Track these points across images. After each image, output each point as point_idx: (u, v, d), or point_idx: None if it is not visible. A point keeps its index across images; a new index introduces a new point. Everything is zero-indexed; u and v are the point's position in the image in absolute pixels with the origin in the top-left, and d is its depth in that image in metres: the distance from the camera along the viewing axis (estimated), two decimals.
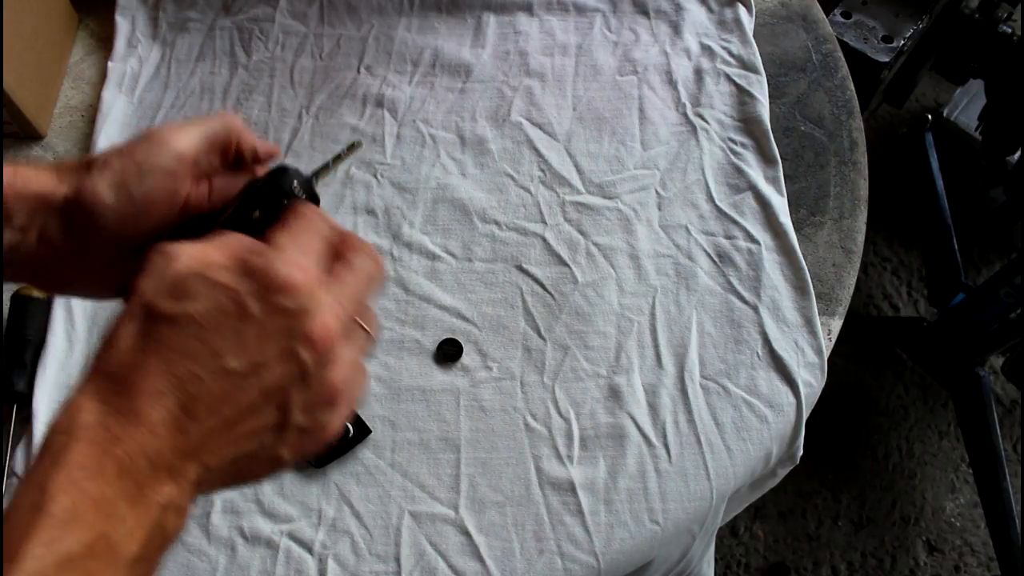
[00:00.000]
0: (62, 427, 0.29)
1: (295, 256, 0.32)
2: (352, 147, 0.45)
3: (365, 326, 0.35)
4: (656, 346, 0.67)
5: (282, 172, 0.39)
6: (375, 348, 0.36)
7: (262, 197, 0.38)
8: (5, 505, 0.27)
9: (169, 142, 0.36)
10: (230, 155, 0.40)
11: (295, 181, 0.39)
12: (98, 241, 0.36)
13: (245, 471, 0.32)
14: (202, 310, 0.30)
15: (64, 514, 0.26)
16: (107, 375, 0.30)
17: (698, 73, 0.83)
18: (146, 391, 0.29)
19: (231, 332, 0.30)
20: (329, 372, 0.32)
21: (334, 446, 0.62)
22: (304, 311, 0.31)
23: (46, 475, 0.27)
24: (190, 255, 0.31)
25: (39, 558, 0.25)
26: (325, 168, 0.42)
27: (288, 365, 0.31)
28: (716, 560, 0.89)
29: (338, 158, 0.44)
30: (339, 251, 0.35)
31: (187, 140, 0.37)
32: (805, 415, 0.66)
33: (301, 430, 0.32)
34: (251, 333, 0.30)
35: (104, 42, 0.85)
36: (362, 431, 0.63)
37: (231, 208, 0.38)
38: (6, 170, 0.36)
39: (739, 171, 0.76)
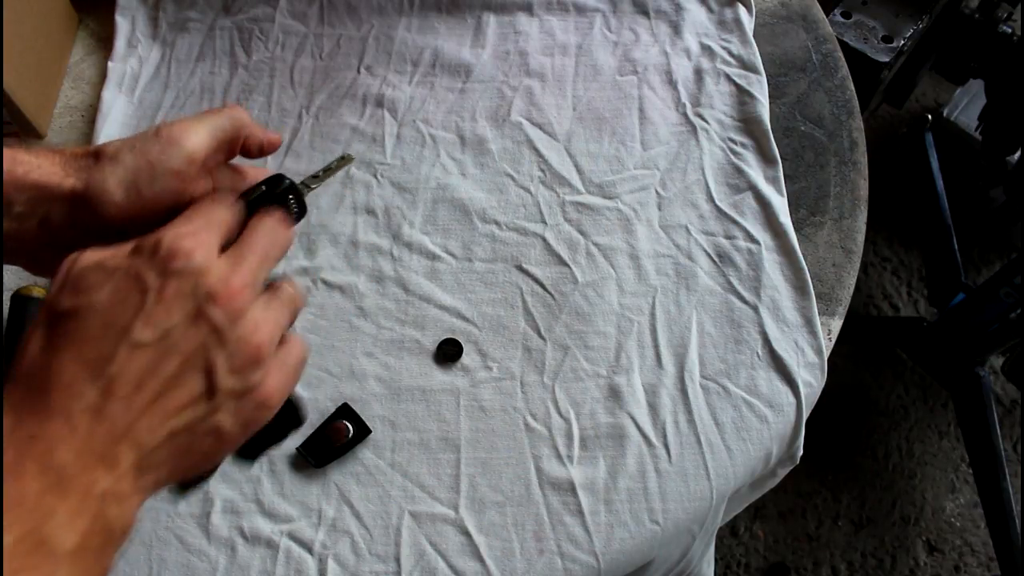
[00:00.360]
0: None
1: (186, 227, 0.33)
2: (343, 160, 0.46)
3: (289, 290, 0.35)
4: (656, 346, 0.67)
5: (276, 181, 0.39)
6: (301, 310, 0.36)
7: (270, 198, 0.38)
8: None
9: (181, 142, 0.36)
10: (236, 150, 0.40)
11: (288, 191, 0.39)
12: (100, 231, 0.36)
13: (188, 450, 0.32)
14: (101, 296, 0.30)
15: None
16: (19, 380, 0.30)
17: (698, 73, 0.83)
18: (59, 385, 0.29)
19: (132, 307, 0.30)
20: (245, 328, 0.32)
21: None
22: (200, 270, 0.31)
23: None
24: (90, 255, 0.32)
25: None
26: (315, 178, 0.42)
27: (199, 327, 0.31)
28: (716, 560, 0.89)
29: (328, 170, 0.44)
30: (242, 232, 0.36)
31: (198, 140, 0.37)
32: (805, 415, 0.66)
33: (234, 394, 0.32)
34: (152, 302, 0.31)
35: (104, 42, 0.85)
36: (362, 431, 0.63)
37: None
38: (5, 155, 0.36)
39: (739, 171, 0.76)
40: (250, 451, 0.62)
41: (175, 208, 0.36)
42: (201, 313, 0.31)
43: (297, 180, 0.40)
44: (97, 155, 0.36)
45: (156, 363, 0.30)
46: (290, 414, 0.62)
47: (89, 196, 0.35)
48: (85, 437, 0.29)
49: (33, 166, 0.36)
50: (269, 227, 0.36)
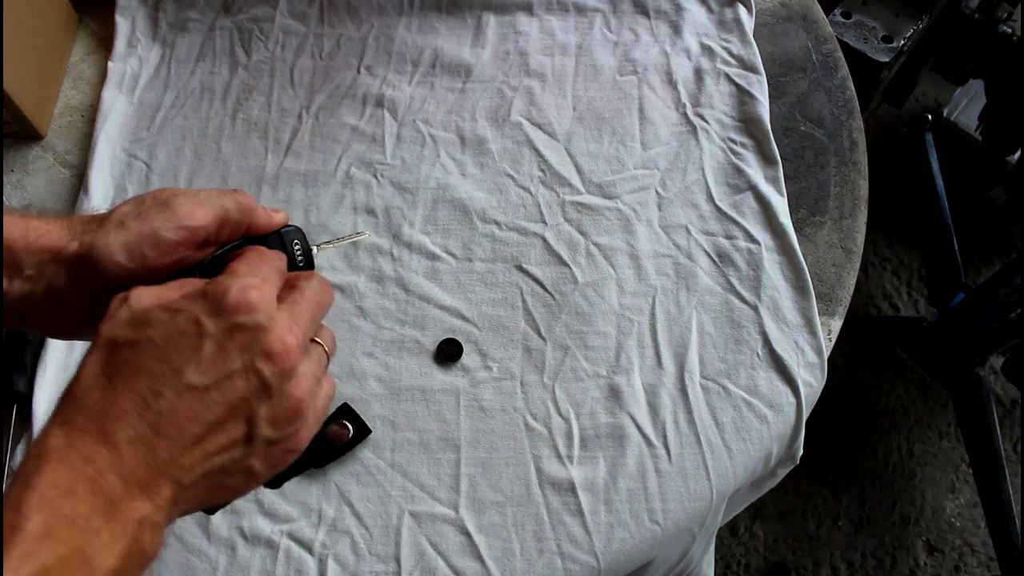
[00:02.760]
0: (34, 452, 0.30)
1: (251, 279, 0.34)
2: (358, 235, 0.49)
3: (323, 344, 0.37)
4: (656, 346, 0.67)
5: (287, 233, 0.41)
6: (330, 364, 0.39)
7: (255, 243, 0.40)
8: None
9: (185, 218, 0.38)
10: (239, 233, 0.41)
11: (296, 241, 0.41)
12: (102, 293, 0.38)
13: (219, 486, 0.34)
14: (161, 332, 0.32)
15: (38, 530, 0.27)
16: (74, 403, 0.31)
17: (698, 73, 0.83)
18: (112, 413, 0.31)
19: (190, 350, 0.32)
20: (291, 385, 0.34)
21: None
22: (261, 327, 0.33)
23: (20, 497, 0.28)
24: (147, 292, 0.34)
25: (14, 570, 0.26)
26: (327, 243, 0.46)
27: (250, 379, 0.33)
28: (716, 560, 0.89)
29: (340, 239, 0.48)
30: (290, 281, 0.38)
31: (202, 217, 0.38)
32: (805, 415, 0.66)
33: (270, 442, 0.34)
34: (210, 350, 0.32)
35: (104, 42, 0.85)
36: (362, 431, 0.63)
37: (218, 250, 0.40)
38: (19, 222, 0.37)
39: (739, 171, 0.76)
40: (275, 482, 0.62)
41: (173, 270, 0.38)
42: (254, 367, 0.33)
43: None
44: (103, 220, 0.38)
45: (203, 407, 0.32)
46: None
47: (93, 258, 0.37)
48: (131, 467, 0.30)
49: (43, 232, 0.38)
50: (318, 288, 0.38)
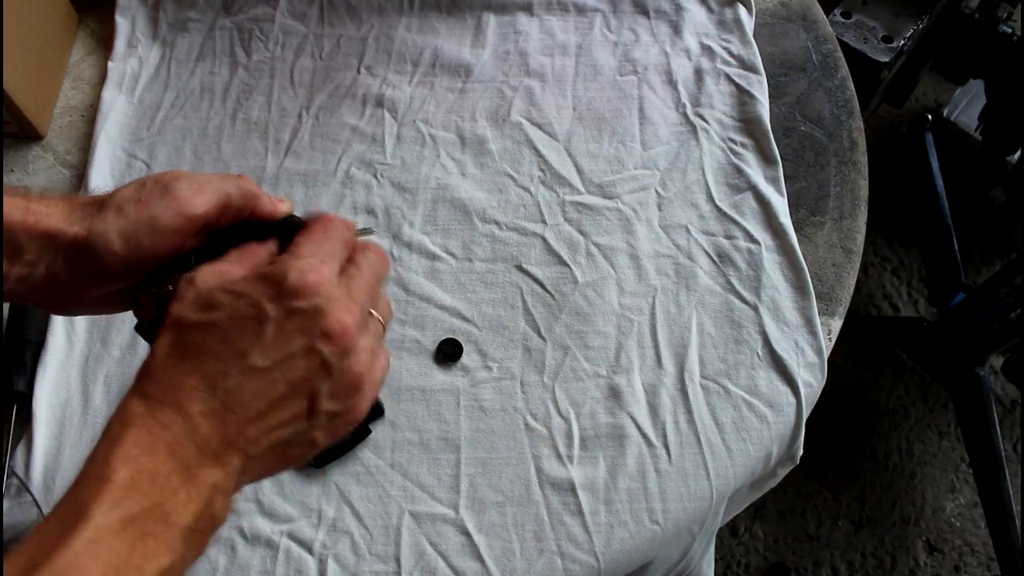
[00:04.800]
0: (117, 417, 0.32)
1: (311, 261, 0.35)
2: (367, 231, 0.49)
3: (379, 316, 0.38)
4: (656, 346, 0.67)
5: (291, 225, 0.40)
6: (389, 331, 0.40)
7: (255, 230, 0.40)
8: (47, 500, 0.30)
9: (185, 205, 0.38)
10: (241, 218, 0.41)
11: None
12: (100, 278, 0.38)
13: (284, 455, 0.35)
14: (225, 317, 0.33)
15: (125, 482, 0.30)
16: (150, 378, 0.33)
17: (698, 73, 0.83)
18: (184, 388, 0.32)
19: (252, 334, 0.33)
20: (349, 362, 0.35)
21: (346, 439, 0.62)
22: (318, 310, 0.34)
23: (107, 452, 0.31)
24: (212, 272, 0.35)
25: (105, 515, 0.29)
26: None
27: (310, 360, 0.34)
28: (716, 560, 0.89)
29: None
30: (350, 254, 0.38)
31: (203, 204, 0.38)
32: (805, 415, 0.66)
33: (331, 415, 0.35)
34: (271, 333, 0.33)
35: (104, 42, 0.85)
36: (362, 431, 0.63)
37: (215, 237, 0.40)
38: (19, 205, 0.38)
39: (739, 171, 0.76)
40: (321, 461, 0.62)
41: (171, 256, 0.38)
42: (313, 348, 0.34)
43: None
44: (102, 204, 0.38)
45: (267, 386, 0.34)
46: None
47: (90, 244, 0.37)
48: (205, 437, 0.32)
49: (43, 215, 0.38)
50: (375, 261, 0.38)
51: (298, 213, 0.42)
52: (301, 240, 0.37)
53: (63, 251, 0.38)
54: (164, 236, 0.38)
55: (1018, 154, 1.41)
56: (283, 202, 0.42)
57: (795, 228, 0.73)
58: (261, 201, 0.41)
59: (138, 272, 0.39)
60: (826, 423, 1.34)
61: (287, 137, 0.78)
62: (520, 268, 0.71)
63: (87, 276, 0.38)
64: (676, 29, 0.86)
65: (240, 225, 0.40)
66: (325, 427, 0.35)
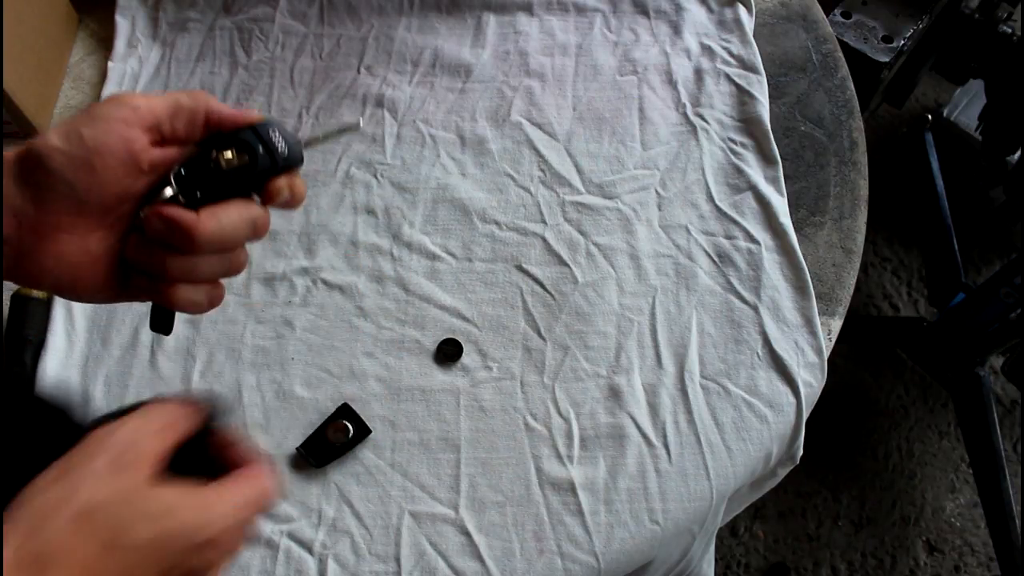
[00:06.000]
0: None
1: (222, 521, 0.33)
2: (348, 128, 0.46)
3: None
4: (656, 346, 0.67)
5: (263, 125, 0.38)
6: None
7: (229, 139, 0.37)
8: None
9: (125, 98, 0.37)
10: (198, 125, 0.39)
11: (275, 131, 0.38)
12: (57, 198, 0.36)
13: None
14: None
15: None
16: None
17: (698, 73, 0.83)
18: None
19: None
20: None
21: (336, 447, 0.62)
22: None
23: None
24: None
25: None
26: (316, 138, 0.42)
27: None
28: (716, 560, 0.89)
29: (329, 132, 0.44)
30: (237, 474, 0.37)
31: (146, 99, 0.37)
32: (805, 415, 0.66)
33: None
34: None
35: (104, 42, 0.85)
36: (362, 431, 0.63)
37: (194, 151, 0.38)
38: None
39: (739, 171, 0.76)
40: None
41: (124, 159, 0.36)
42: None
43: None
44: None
45: None
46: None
47: (31, 152, 0.35)
48: None
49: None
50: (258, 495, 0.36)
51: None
52: (222, 483, 0.35)
53: (10, 176, 0.35)
54: (106, 125, 0.36)
55: (1018, 154, 1.41)
56: (252, 112, 0.40)
57: (795, 228, 0.73)
58: (217, 107, 0.39)
59: (87, 178, 0.36)
60: (826, 423, 1.33)
61: None
62: (520, 268, 0.71)
63: (39, 193, 0.35)
64: (676, 29, 0.86)
65: (209, 138, 0.38)
66: None
